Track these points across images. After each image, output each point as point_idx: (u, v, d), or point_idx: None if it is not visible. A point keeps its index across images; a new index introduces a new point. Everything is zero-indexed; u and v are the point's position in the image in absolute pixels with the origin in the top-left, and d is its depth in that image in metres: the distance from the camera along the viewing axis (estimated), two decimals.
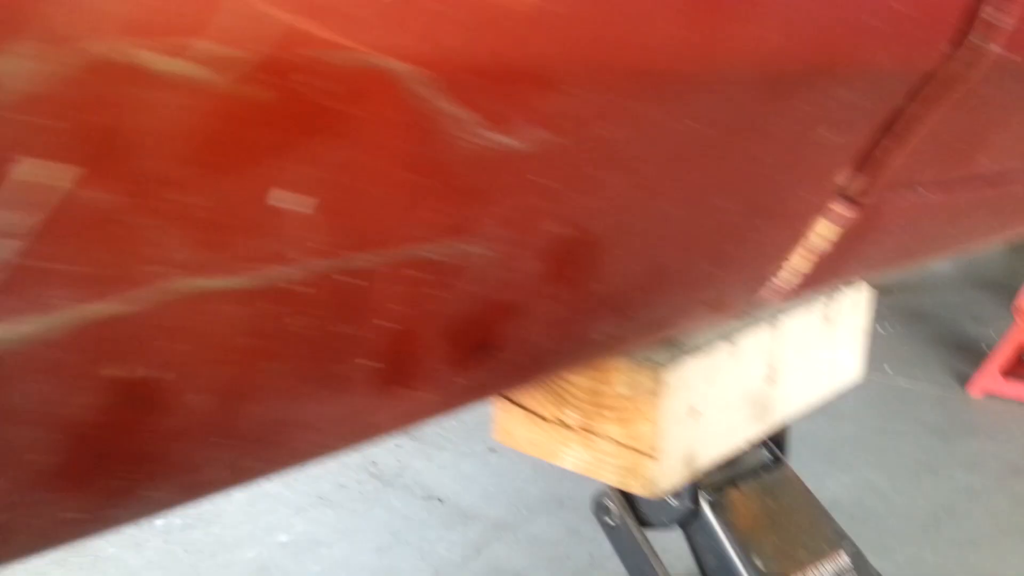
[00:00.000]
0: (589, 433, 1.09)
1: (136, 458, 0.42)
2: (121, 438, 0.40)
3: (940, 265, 5.50)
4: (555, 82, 0.42)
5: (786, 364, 1.27)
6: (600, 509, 1.41)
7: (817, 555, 1.37)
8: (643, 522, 1.40)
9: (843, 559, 1.39)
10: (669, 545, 1.43)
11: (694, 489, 1.31)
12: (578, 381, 1.09)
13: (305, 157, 0.37)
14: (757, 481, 1.43)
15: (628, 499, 1.40)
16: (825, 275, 0.87)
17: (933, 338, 4.53)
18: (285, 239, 0.39)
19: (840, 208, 0.76)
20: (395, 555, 2.79)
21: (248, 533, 2.94)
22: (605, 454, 1.08)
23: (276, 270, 0.40)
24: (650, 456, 1.06)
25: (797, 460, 1.49)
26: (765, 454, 1.49)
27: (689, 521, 1.32)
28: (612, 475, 1.08)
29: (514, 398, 1.14)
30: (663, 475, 1.07)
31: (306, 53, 0.33)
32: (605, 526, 1.40)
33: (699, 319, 0.86)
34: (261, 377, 0.44)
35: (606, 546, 1.41)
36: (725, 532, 1.29)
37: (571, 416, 1.10)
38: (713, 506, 1.30)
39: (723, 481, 1.37)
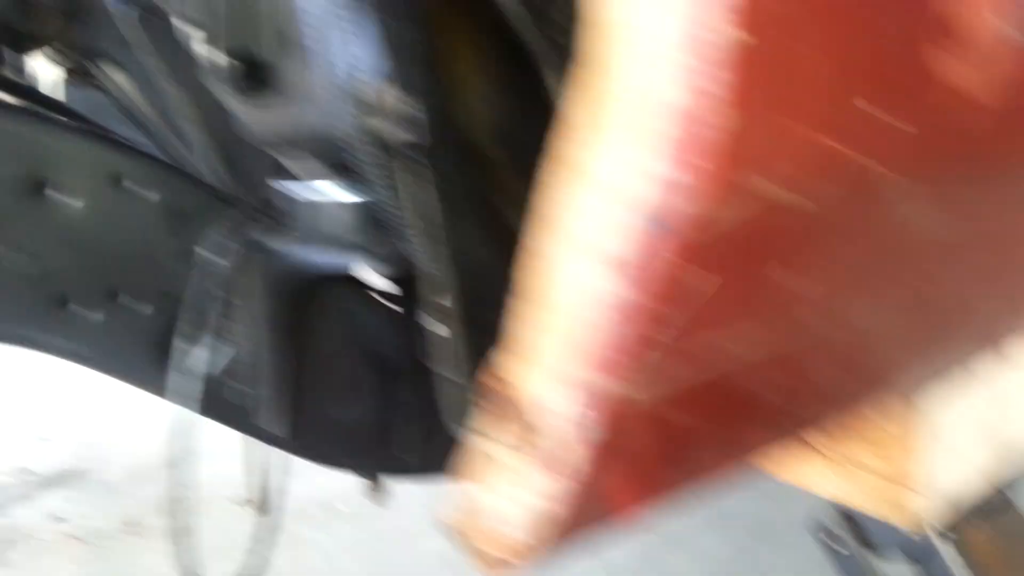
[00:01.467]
0: (851, 464, 1.14)
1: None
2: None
3: None
4: None
5: None
6: (828, 536, 1.44)
7: None
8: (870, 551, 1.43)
9: None
10: None
11: (933, 526, 1.33)
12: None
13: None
14: (989, 522, 1.43)
15: (857, 528, 1.43)
16: None
17: None
18: None
19: None
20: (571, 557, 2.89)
21: (432, 525, 3.10)
22: (867, 486, 1.13)
23: None
24: (915, 491, 1.09)
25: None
26: (997, 495, 1.49)
27: (927, 558, 1.34)
28: (874, 506, 1.13)
29: None
30: (927, 510, 1.10)
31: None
32: (834, 553, 1.43)
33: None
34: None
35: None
36: (967, 572, 1.31)
37: (835, 446, 1.15)
38: (956, 544, 1.31)
39: (959, 520, 1.38)
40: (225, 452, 3.78)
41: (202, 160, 1.27)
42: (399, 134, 0.84)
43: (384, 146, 0.81)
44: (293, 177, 1.42)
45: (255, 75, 1.07)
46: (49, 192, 0.95)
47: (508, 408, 0.54)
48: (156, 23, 1.30)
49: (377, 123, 0.80)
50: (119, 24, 1.22)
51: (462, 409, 0.75)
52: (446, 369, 0.81)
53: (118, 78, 2.17)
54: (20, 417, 4.22)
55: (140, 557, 3.02)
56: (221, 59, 1.02)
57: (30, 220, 0.95)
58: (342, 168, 1.33)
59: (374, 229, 0.99)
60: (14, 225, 0.94)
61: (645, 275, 0.43)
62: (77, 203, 0.97)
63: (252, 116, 1.07)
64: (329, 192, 0.98)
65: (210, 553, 3.10)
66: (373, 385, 1.18)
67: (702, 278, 0.44)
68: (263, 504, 1.88)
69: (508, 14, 0.78)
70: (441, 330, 0.84)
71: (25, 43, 1.09)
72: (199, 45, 1.07)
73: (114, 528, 3.22)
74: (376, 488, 1.57)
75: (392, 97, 0.82)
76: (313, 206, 1.00)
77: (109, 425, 4.09)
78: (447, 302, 0.77)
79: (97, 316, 1.00)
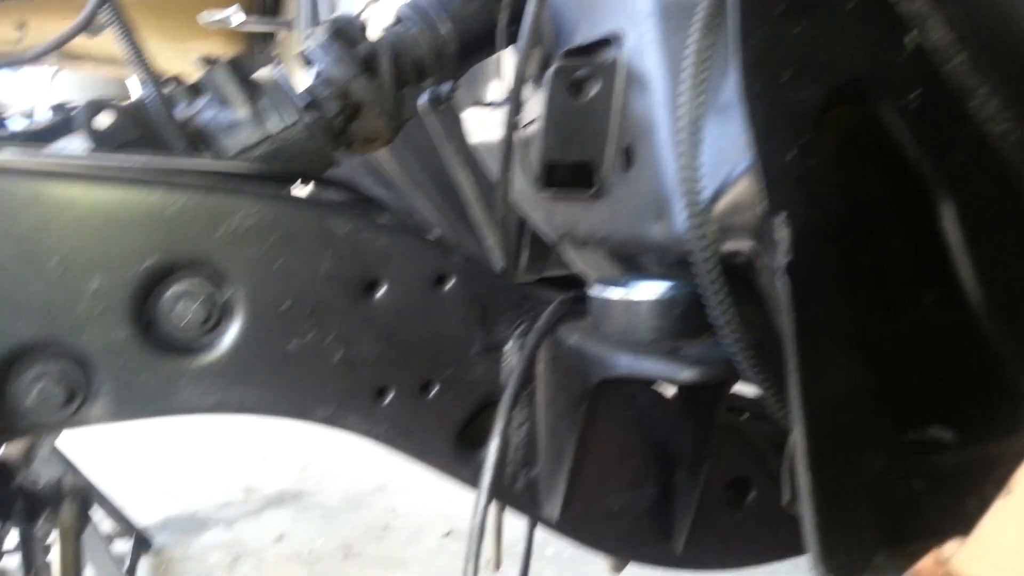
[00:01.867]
0: None
1: None
2: None
3: None
4: None
5: None
6: None
7: None
8: None
9: None
10: None
11: None
12: None
13: None
14: None
15: None
16: None
17: None
18: None
19: None
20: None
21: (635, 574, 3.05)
22: None
23: None
24: None
25: None
26: None
27: None
28: None
29: None
30: None
31: None
32: None
33: None
34: None
35: None
36: None
37: None
38: None
39: None
40: (434, 485, 3.91)
41: (486, 244, 1.30)
42: (737, 244, 0.82)
43: (719, 255, 0.80)
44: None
45: (564, 176, 1.09)
46: (378, 291, 1.01)
47: None
48: (447, 112, 1.36)
49: (712, 231, 0.78)
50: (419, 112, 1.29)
51: (818, 549, 0.71)
52: (791, 504, 0.78)
53: (380, 155, 2.30)
54: (244, 438, 4.57)
55: None
56: (539, 159, 1.05)
57: (359, 316, 1.00)
58: (627, 264, 1.33)
59: (683, 330, 0.98)
60: (345, 321, 1.00)
61: None
62: (402, 301, 1.01)
63: (564, 213, 1.09)
64: (637, 292, 0.98)
65: None
66: (656, 477, 1.17)
67: None
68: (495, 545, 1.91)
69: (903, 148, 0.75)
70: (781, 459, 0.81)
71: (347, 143, 1.16)
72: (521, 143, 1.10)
73: (331, 550, 3.40)
74: (620, 566, 1.56)
75: (737, 208, 0.80)
76: (613, 305, 1.00)
77: (326, 449, 4.34)
78: (793, 434, 0.74)
79: (410, 405, 1.05)
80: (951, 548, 0.52)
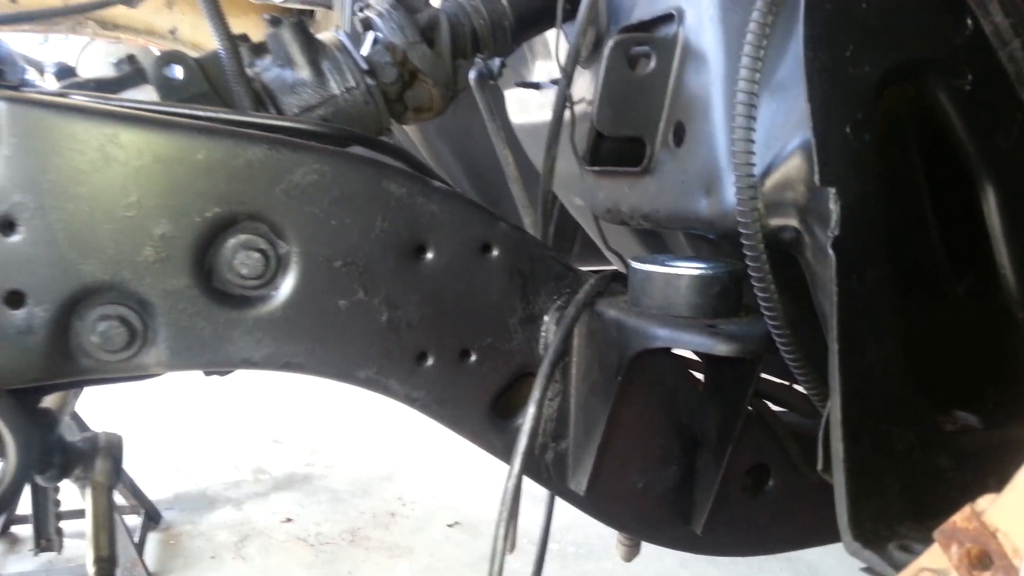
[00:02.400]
0: None
1: None
2: None
3: None
4: None
5: None
6: None
7: None
8: None
9: None
10: None
11: None
12: None
13: None
14: None
15: None
16: None
17: None
18: None
19: None
20: None
21: (637, 573, 3.07)
22: None
23: None
24: None
25: None
26: None
27: None
28: None
29: None
30: None
31: None
32: None
33: None
34: None
35: None
36: None
37: None
38: None
39: None
40: (442, 475, 3.93)
41: (524, 223, 1.34)
42: (785, 220, 0.85)
43: (766, 230, 0.83)
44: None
45: (612, 152, 1.12)
46: (426, 255, 1.04)
47: (985, 555, 0.53)
48: (493, 89, 1.39)
49: (761, 207, 0.81)
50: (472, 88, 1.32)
51: (848, 516, 0.74)
52: (825, 469, 0.80)
53: (412, 139, 2.34)
54: (257, 419, 4.61)
55: (360, 566, 3.20)
56: (589, 135, 1.08)
57: (406, 279, 1.04)
58: (655, 246, 1.36)
59: (719, 307, 1.01)
60: (391, 281, 1.03)
61: None
62: (448, 266, 1.05)
63: (610, 190, 1.12)
64: (678, 269, 1.01)
65: (422, 572, 3.22)
66: (680, 459, 1.20)
67: None
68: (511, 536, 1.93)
69: (952, 131, 0.78)
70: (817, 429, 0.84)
71: (400, 111, 1.20)
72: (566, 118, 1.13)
73: (337, 535, 3.43)
74: (632, 545, 1.58)
75: (787, 184, 0.83)
76: (655, 278, 1.03)
77: (337, 433, 4.38)
78: (831, 403, 0.77)
79: (449, 371, 1.08)
80: (985, 502, 0.54)
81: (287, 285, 1.00)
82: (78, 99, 0.99)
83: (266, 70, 1.15)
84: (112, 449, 1.50)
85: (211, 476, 3.97)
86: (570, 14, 1.18)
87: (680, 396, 1.18)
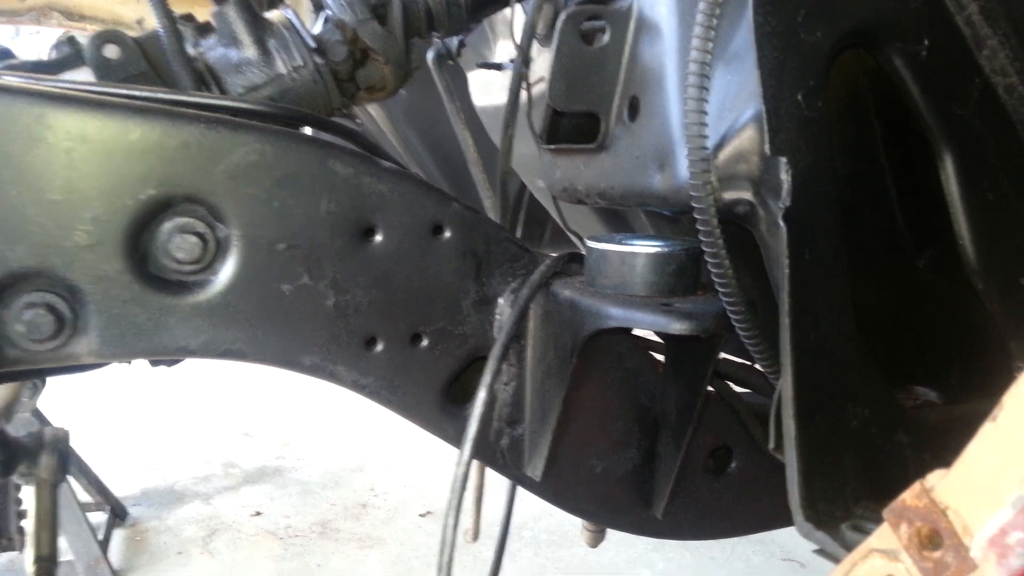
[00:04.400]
0: None
1: None
2: None
3: None
4: None
5: None
6: None
7: None
8: None
9: None
10: None
11: None
12: None
13: None
14: None
15: None
16: None
17: None
18: None
19: None
20: None
21: (609, 560, 3.07)
22: None
23: None
24: None
25: None
26: None
27: None
28: None
29: None
30: None
31: None
32: None
33: None
34: None
35: None
36: None
37: None
38: None
39: None
40: (414, 465, 3.91)
41: (484, 205, 1.31)
42: (738, 194, 0.82)
43: (720, 204, 0.80)
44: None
45: (571, 130, 1.09)
46: (375, 237, 1.00)
47: (935, 534, 0.51)
48: (455, 70, 1.36)
49: (715, 180, 0.79)
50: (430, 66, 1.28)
51: (800, 496, 0.72)
52: (777, 447, 0.78)
53: (372, 111, 2.30)
54: (227, 413, 4.55)
55: (330, 559, 3.16)
56: (545, 113, 1.05)
57: (354, 262, 1.00)
58: (619, 226, 1.33)
59: (675, 286, 0.99)
60: (338, 265, 1.00)
61: None
62: (398, 248, 1.01)
63: (566, 168, 1.09)
64: (634, 247, 0.99)
65: (393, 562, 3.19)
66: (639, 441, 1.17)
67: None
68: (476, 528, 1.91)
69: (909, 98, 0.76)
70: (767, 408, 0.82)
71: (352, 91, 1.16)
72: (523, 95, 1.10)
73: (308, 527, 3.39)
74: (597, 531, 1.56)
75: (740, 156, 0.81)
76: (611, 257, 1.00)
77: (308, 426, 4.33)
78: (783, 379, 0.74)
79: (399, 356, 1.05)
80: (934, 478, 0.52)
81: (227, 270, 0.96)
82: (6, 80, 0.94)
83: (210, 49, 1.11)
84: (58, 444, 1.45)
85: (180, 471, 3.92)
86: None
87: (640, 378, 1.16)
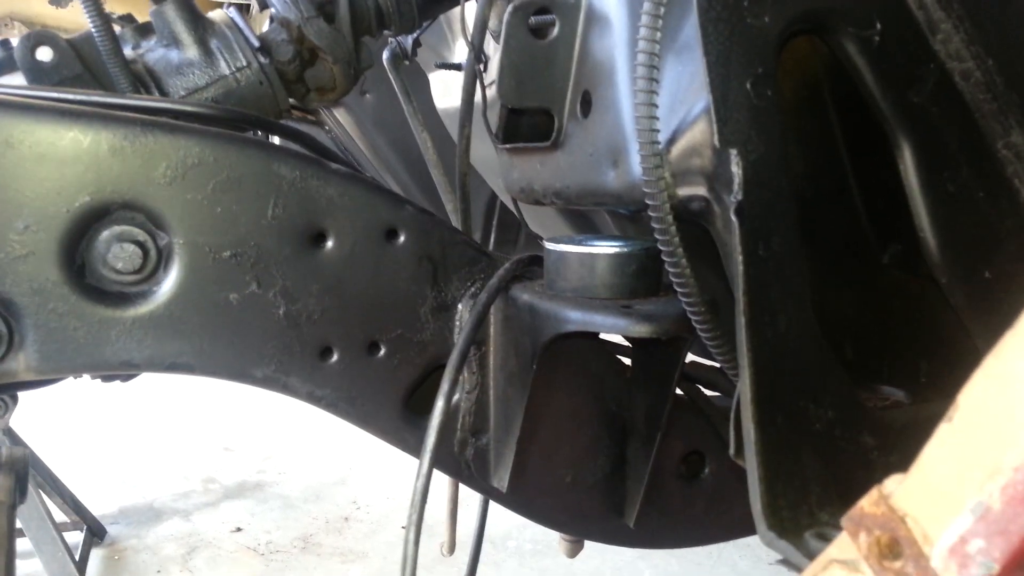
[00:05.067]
0: None
1: None
2: None
3: None
4: None
5: None
6: None
7: None
8: None
9: None
10: None
11: None
12: None
13: None
14: None
15: None
16: None
17: None
18: None
19: None
20: None
21: (595, 569, 3.03)
22: None
23: None
24: None
25: None
26: None
27: None
28: None
29: None
30: None
31: None
32: None
33: None
34: None
35: None
36: None
37: None
38: None
39: None
40: (397, 477, 3.86)
41: (447, 209, 1.27)
42: (693, 189, 0.79)
43: (674, 200, 0.77)
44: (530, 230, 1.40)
45: (529, 129, 1.06)
46: (326, 243, 0.97)
47: (895, 543, 0.47)
48: (414, 71, 1.32)
49: (668, 176, 0.76)
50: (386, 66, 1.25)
51: (762, 502, 0.68)
52: (737, 453, 0.75)
53: (340, 116, 2.27)
54: (207, 427, 4.48)
55: (312, 573, 3.11)
56: (500, 112, 1.02)
57: (305, 269, 0.96)
58: (584, 227, 1.30)
59: (636, 287, 0.95)
60: (287, 272, 0.96)
61: None
62: (350, 254, 0.97)
63: (522, 168, 1.06)
64: (593, 248, 0.95)
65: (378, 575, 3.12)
66: (609, 449, 1.14)
67: None
68: (451, 541, 1.87)
69: (863, 85, 0.73)
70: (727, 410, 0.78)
71: (301, 93, 1.12)
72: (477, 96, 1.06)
73: (289, 543, 3.33)
74: (575, 542, 1.53)
75: (693, 150, 0.77)
76: (569, 259, 0.97)
77: (290, 439, 4.27)
78: (740, 380, 0.71)
79: (356, 366, 1.01)
80: (892, 483, 0.49)
81: (170, 279, 0.93)
82: None
83: (150, 51, 1.07)
84: (15, 464, 1.40)
85: (159, 487, 3.85)
86: None
87: (607, 383, 1.12)
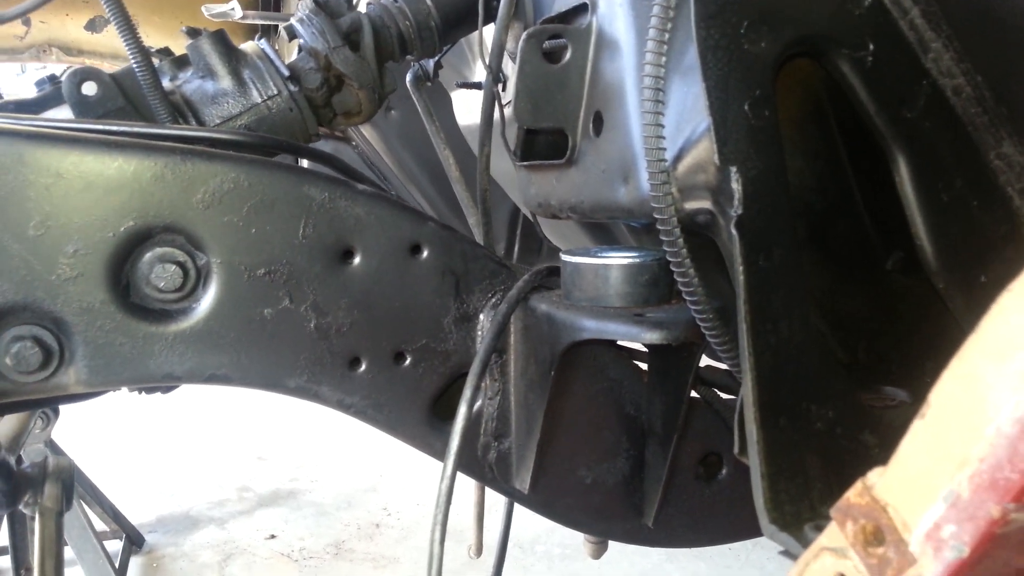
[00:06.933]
0: None
1: None
2: None
3: None
4: None
5: None
6: None
7: None
8: None
9: None
10: None
11: None
12: None
13: None
14: None
15: None
16: None
17: None
18: None
19: None
20: None
21: (623, 572, 3.06)
22: None
23: None
24: None
25: None
26: None
27: None
28: None
29: None
30: None
31: None
32: None
33: None
34: None
35: None
36: None
37: None
38: None
39: None
40: (427, 483, 3.91)
41: (469, 220, 1.32)
42: (699, 204, 0.83)
43: (681, 214, 0.81)
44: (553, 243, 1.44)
45: (545, 147, 1.11)
46: (354, 259, 1.02)
47: (879, 531, 0.51)
48: (437, 90, 1.38)
49: (675, 191, 0.80)
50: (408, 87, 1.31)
51: (765, 499, 0.72)
52: (741, 452, 0.79)
53: (366, 132, 2.33)
54: (241, 437, 4.58)
55: None
56: (516, 130, 1.07)
57: (334, 284, 1.02)
58: (604, 238, 1.35)
59: (649, 296, 1.00)
60: (318, 288, 1.01)
61: None
62: (377, 269, 1.03)
63: (540, 184, 1.11)
64: (607, 259, 1.00)
65: None
66: (628, 451, 1.18)
67: None
68: (479, 543, 1.91)
69: (859, 103, 0.77)
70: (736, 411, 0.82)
71: (329, 117, 1.18)
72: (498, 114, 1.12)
73: (322, 549, 3.40)
74: (599, 543, 1.57)
75: (698, 167, 0.82)
76: (584, 270, 1.01)
77: (322, 448, 4.35)
78: (744, 383, 0.75)
79: (383, 375, 1.06)
80: (875, 475, 0.53)
81: (208, 296, 0.99)
82: None
83: (187, 82, 1.13)
84: (61, 474, 1.47)
85: (195, 496, 3.94)
86: (495, 13, 1.17)
87: (625, 387, 1.16)
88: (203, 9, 3.25)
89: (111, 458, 4.18)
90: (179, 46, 1.19)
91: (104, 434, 4.38)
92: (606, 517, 1.20)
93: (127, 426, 4.57)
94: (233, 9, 3.09)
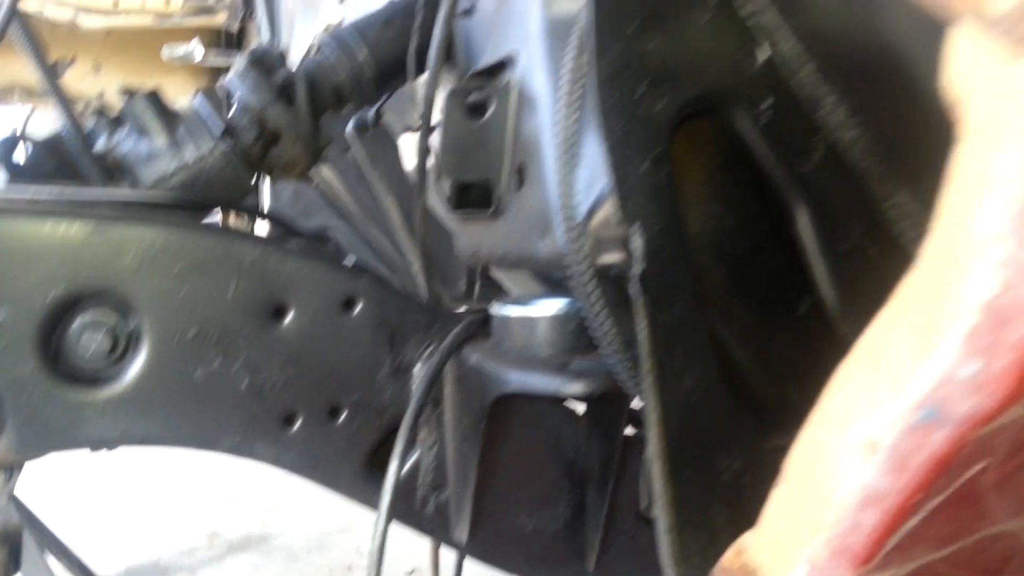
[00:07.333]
0: None
1: None
2: None
3: None
4: None
5: None
6: None
7: None
8: None
9: None
10: None
11: None
12: None
13: None
14: None
15: None
16: None
17: None
18: None
19: None
20: None
21: None
22: None
23: None
24: None
25: None
26: None
27: None
28: None
29: None
30: None
31: None
32: None
33: None
34: None
35: None
36: None
37: None
38: None
39: None
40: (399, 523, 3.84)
41: (409, 267, 1.34)
42: (611, 258, 0.85)
43: (594, 269, 0.83)
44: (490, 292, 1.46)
45: (478, 197, 1.13)
46: (286, 316, 1.03)
47: None
48: (373, 137, 1.40)
49: (588, 246, 0.82)
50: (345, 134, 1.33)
51: (672, 552, 0.74)
52: (649, 504, 0.80)
53: (326, 173, 2.35)
54: (210, 480, 4.52)
55: None
56: (448, 181, 1.09)
57: (267, 342, 1.03)
58: (548, 284, 1.36)
59: (576, 345, 1.01)
60: (253, 347, 1.02)
61: (909, 466, 0.42)
62: (310, 325, 1.04)
63: (471, 234, 1.13)
64: (534, 309, 1.01)
65: None
66: (568, 497, 1.19)
67: (971, 469, 0.43)
68: None
69: (758, 157, 0.79)
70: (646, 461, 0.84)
71: (267, 169, 1.19)
72: (427, 165, 1.14)
73: None
74: None
75: (609, 222, 0.84)
76: (511, 322, 1.03)
77: (293, 489, 4.30)
78: (649, 438, 0.77)
79: (319, 431, 1.07)
80: (747, 538, 0.54)
81: (139, 360, 0.99)
82: None
83: (121, 142, 1.14)
84: (9, 537, 1.45)
85: (164, 544, 3.88)
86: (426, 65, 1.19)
87: (562, 433, 1.18)
88: (163, 51, 3.28)
89: (76, 508, 4.11)
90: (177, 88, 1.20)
91: (69, 483, 4.31)
92: (548, 564, 1.21)
93: (92, 473, 4.51)
94: (193, 51, 3.12)
